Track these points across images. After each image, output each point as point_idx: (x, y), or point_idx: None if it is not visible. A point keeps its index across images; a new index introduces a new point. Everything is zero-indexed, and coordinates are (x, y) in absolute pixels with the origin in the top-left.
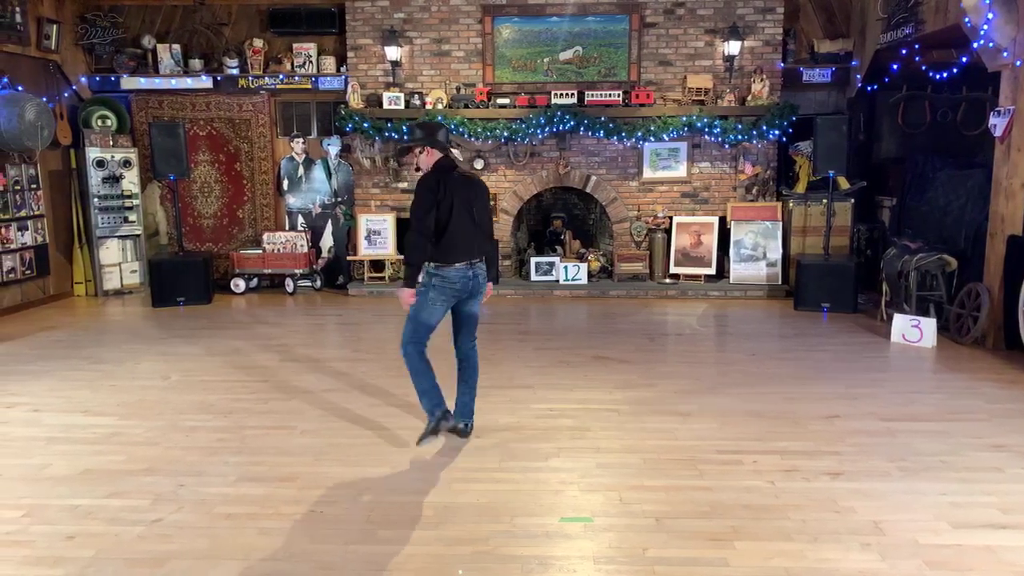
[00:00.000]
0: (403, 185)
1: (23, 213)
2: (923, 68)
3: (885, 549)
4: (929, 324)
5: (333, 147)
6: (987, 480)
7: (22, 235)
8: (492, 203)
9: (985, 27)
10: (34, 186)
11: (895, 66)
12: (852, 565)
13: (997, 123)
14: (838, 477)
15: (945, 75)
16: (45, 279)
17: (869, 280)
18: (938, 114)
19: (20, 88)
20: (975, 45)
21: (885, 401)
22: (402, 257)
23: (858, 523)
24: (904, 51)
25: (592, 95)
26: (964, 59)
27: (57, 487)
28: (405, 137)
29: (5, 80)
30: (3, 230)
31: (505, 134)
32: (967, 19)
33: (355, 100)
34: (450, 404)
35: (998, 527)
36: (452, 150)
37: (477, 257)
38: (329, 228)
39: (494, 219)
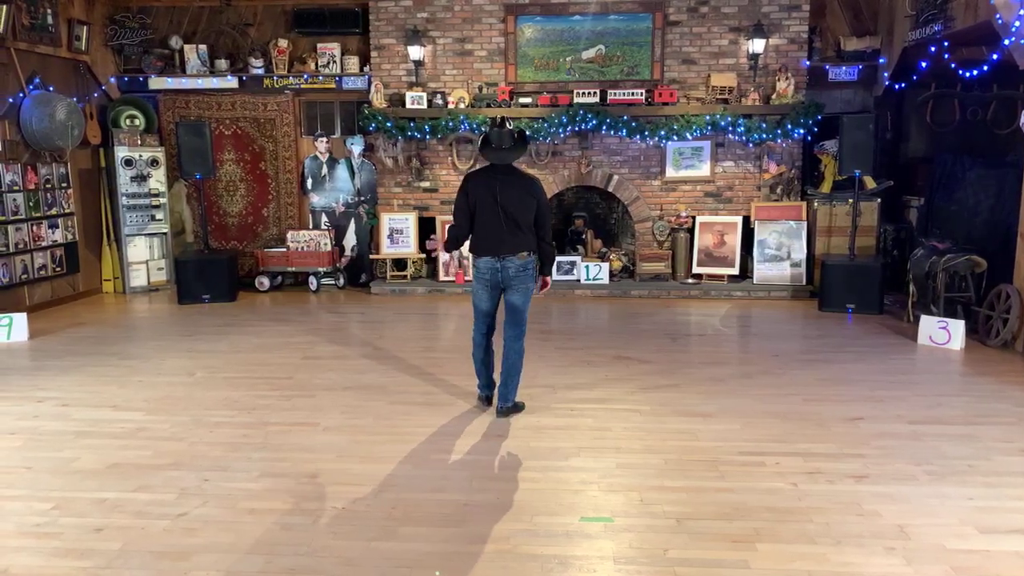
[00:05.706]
0: (425, 184)
1: (54, 211)
2: (952, 66)
3: (910, 554)
4: (957, 326)
5: (356, 146)
6: (1015, 485)
7: (53, 232)
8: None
9: (1017, 24)
10: (64, 184)
11: (923, 64)
12: (876, 570)
13: None
14: (862, 480)
15: (975, 73)
16: (75, 276)
17: (895, 281)
18: (968, 112)
19: (51, 88)
20: (1006, 42)
21: (911, 404)
22: (423, 256)
23: (882, 527)
24: (933, 49)
25: (615, 94)
26: (995, 56)
27: (85, 480)
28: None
29: (37, 80)
30: (34, 227)
31: (527, 133)
32: (998, 16)
33: (378, 100)
34: None
35: None
36: (499, 149)
37: (509, 252)
38: (352, 227)
39: None
